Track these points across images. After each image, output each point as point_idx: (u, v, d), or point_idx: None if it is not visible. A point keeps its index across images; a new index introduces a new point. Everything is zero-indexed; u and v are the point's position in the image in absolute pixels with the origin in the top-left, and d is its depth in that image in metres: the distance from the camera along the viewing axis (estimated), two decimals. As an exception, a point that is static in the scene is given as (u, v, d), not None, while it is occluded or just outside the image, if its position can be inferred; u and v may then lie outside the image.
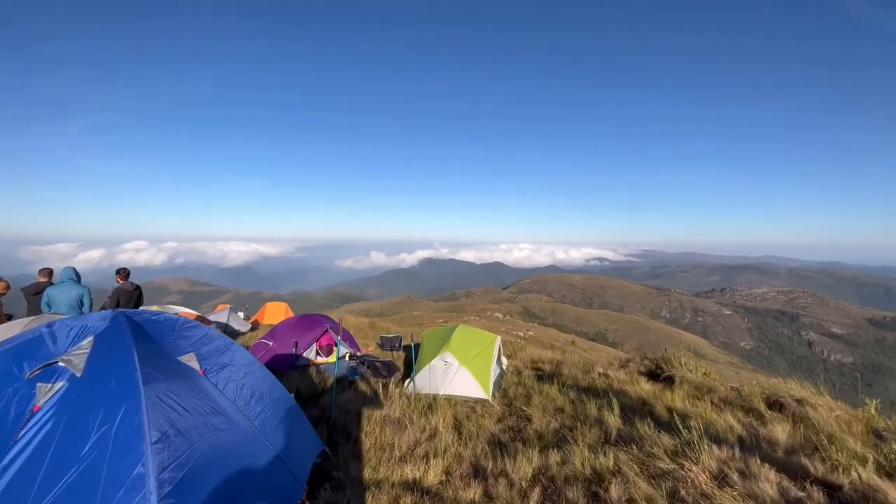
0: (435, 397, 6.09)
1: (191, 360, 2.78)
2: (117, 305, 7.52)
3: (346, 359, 8.69)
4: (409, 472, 3.54)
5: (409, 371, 8.21)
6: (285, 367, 8.38)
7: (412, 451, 4.07)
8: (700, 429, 3.99)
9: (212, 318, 14.58)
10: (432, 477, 3.52)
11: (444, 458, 3.85)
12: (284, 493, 2.82)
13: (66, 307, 6.87)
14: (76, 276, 7.16)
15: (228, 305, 17.44)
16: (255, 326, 16.96)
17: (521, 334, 30.51)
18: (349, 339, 9.91)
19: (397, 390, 6.10)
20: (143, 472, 1.99)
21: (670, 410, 5.23)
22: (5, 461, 2.00)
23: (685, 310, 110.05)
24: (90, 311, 7.20)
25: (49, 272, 7.24)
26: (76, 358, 2.33)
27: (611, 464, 3.80)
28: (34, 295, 7.00)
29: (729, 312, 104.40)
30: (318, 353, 9.39)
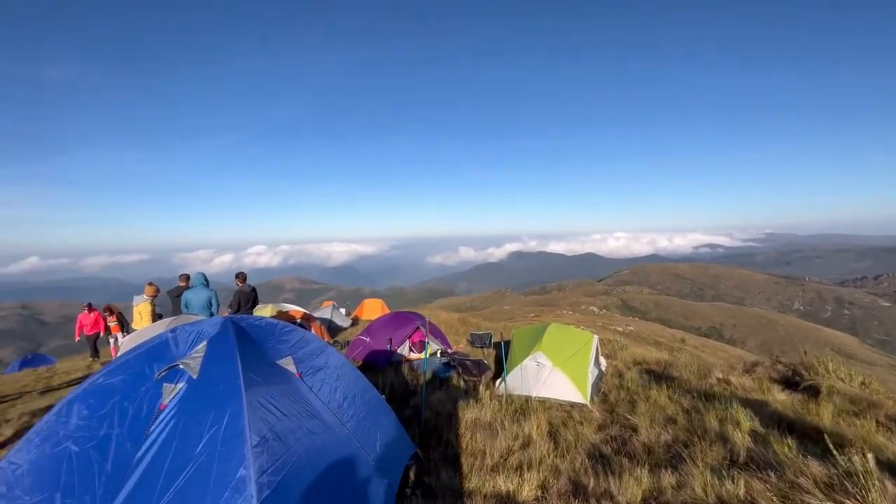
0: (528, 400, 5.82)
1: (288, 364, 2.93)
2: (238, 305, 8.52)
3: (438, 355, 8.79)
4: (502, 483, 3.36)
5: (499, 370, 8.03)
6: (381, 363, 8.75)
7: (505, 460, 3.88)
8: (864, 456, 3.18)
9: (317, 314, 15.89)
10: (527, 492, 3.29)
11: (539, 471, 3.60)
12: (376, 497, 2.84)
13: (199, 308, 7.94)
14: (205, 281, 8.23)
15: (332, 302, 18.93)
16: (355, 322, 18.13)
17: (621, 329, 28.43)
18: (439, 336, 10.03)
19: (488, 391, 5.95)
20: (244, 476, 2.11)
21: (817, 430, 4.32)
22: (140, 453, 2.27)
23: (825, 301, 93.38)
24: (217, 310, 8.24)
25: (186, 277, 8.45)
26: (193, 361, 2.57)
27: (741, 492, 3.22)
28: (176, 297, 8.22)
29: (888, 304, 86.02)
30: (410, 350, 9.66)
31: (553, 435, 4.62)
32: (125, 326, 11.19)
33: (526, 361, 6.54)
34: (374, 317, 18.71)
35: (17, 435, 5.29)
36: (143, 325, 8.48)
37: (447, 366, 8.06)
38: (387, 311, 22.12)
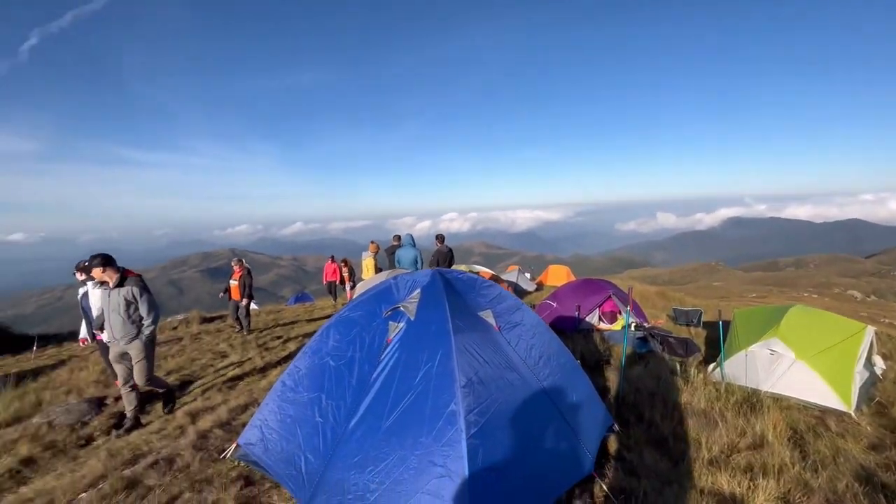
0: (754, 393, 4.76)
1: (488, 316, 3.07)
2: (437, 263, 9.54)
3: (632, 328, 8.04)
4: (725, 483, 2.83)
5: (712, 354, 6.81)
6: (569, 328, 8.55)
7: (727, 456, 3.26)
8: None
9: (504, 277, 16.55)
10: (761, 500, 2.69)
11: (779, 481, 2.89)
12: (573, 460, 2.77)
13: (407, 263, 9.19)
14: (412, 241, 9.43)
15: (518, 267, 19.43)
16: (539, 287, 18.20)
17: (904, 325, 20.53)
18: (635, 308, 9.14)
19: (700, 375, 5.11)
20: (455, 410, 2.33)
21: None
22: (374, 374, 2.75)
23: None
24: (420, 267, 9.41)
25: (398, 238, 9.87)
26: (411, 305, 2.94)
27: None
28: (391, 254, 9.73)
29: None
30: (600, 319, 9.13)
31: (797, 443, 3.65)
32: (353, 276, 13.87)
33: (754, 348, 5.35)
34: (558, 283, 18.40)
35: (297, 349, 7.25)
36: (369, 275, 10.36)
37: (644, 340, 7.30)
38: (572, 277, 21.43)
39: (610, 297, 9.02)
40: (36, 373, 7.26)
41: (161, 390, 5.00)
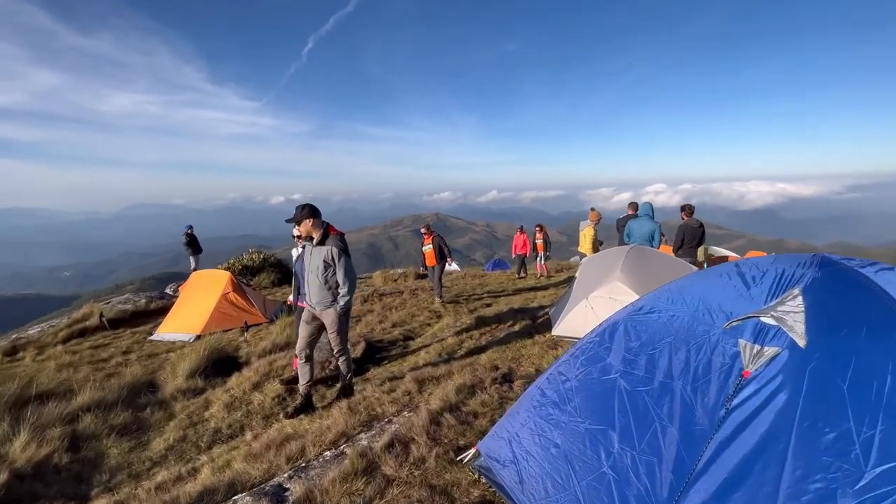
0: None
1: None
2: (682, 242, 7.49)
3: None
4: None
5: None
6: None
7: None
8: None
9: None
10: None
11: None
12: None
13: (640, 239, 7.47)
14: (651, 212, 7.59)
15: (762, 253, 14.79)
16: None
17: None
18: None
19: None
20: None
21: None
22: (721, 433, 1.58)
23: None
24: (659, 245, 7.53)
25: (635, 206, 8.15)
26: (790, 318, 1.61)
27: None
28: (621, 226, 8.15)
29: None
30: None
31: None
32: (548, 245, 12.54)
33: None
34: None
35: (518, 327, 6.64)
36: (585, 248, 9.00)
37: None
38: None
39: None
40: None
41: (345, 375, 4.48)
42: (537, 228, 12.65)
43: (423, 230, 8.94)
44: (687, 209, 7.51)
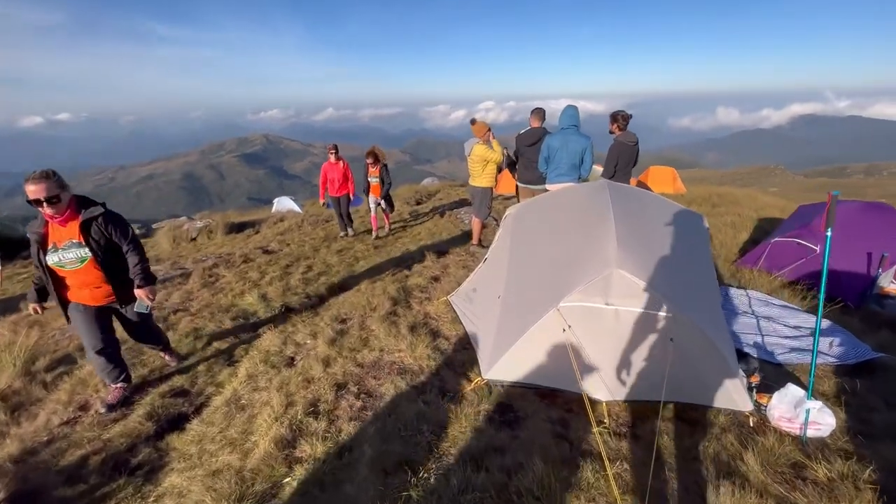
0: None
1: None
2: (615, 167, 5.31)
3: None
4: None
5: None
6: (852, 297, 4.64)
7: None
8: None
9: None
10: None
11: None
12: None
13: (565, 166, 5.05)
14: (577, 123, 5.11)
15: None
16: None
17: None
18: None
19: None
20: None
21: None
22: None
23: None
24: (588, 172, 5.24)
25: (542, 114, 5.53)
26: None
27: None
28: (529, 146, 5.52)
29: None
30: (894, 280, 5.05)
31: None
32: (386, 180, 7.45)
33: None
34: (664, 191, 13.77)
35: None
36: (482, 179, 6.00)
37: None
38: (680, 185, 16.42)
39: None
40: None
41: None
42: (369, 161, 7.49)
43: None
44: (620, 119, 5.22)
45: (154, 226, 12.03)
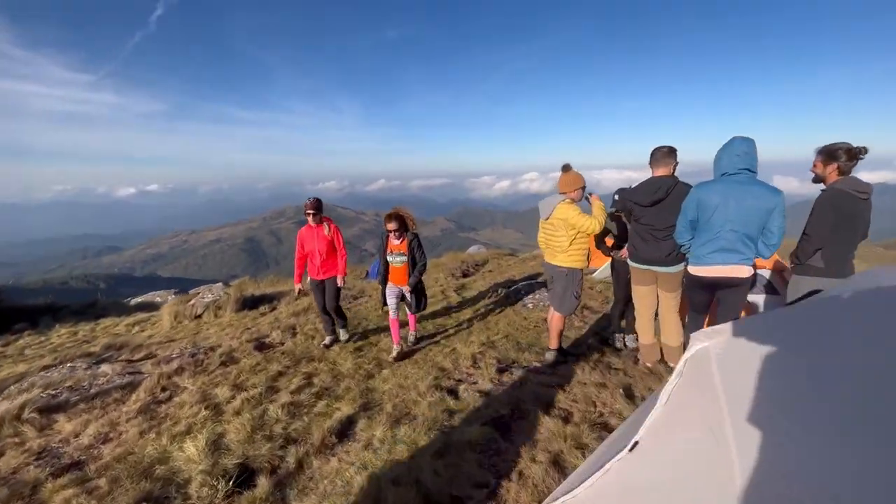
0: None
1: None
2: (836, 230, 3.09)
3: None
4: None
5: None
6: None
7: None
8: None
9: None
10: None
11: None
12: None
13: (735, 236, 2.91)
14: (754, 163, 3.02)
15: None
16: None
17: None
18: None
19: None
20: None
21: None
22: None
23: None
24: (776, 248, 3.04)
25: (673, 156, 3.47)
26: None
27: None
28: (649, 206, 3.47)
29: None
30: None
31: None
32: (417, 250, 4.46)
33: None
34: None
35: None
36: (569, 257, 3.92)
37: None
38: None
39: None
40: None
41: None
42: (391, 229, 4.45)
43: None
44: (842, 155, 2.94)
45: (170, 297, 10.85)
